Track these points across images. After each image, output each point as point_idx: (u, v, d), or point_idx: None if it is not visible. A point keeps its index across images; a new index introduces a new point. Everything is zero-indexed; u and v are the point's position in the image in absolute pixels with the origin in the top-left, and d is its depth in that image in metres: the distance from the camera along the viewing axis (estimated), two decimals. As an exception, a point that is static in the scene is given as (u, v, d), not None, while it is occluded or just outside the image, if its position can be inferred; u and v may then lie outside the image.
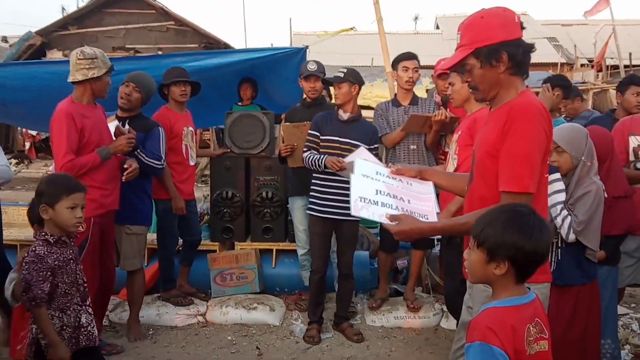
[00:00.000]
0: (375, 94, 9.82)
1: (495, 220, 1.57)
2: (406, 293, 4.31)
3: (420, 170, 2.28)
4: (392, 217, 1.97)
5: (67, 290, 2.42)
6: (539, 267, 1.60)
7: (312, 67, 4.20)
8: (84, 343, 2.46)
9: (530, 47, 1.93)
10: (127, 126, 3.68)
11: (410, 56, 4.15)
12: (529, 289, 1.63)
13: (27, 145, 14.49)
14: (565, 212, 2.65)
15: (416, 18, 25.78)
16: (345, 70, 3.82)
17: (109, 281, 3.61)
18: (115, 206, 3.54)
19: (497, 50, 1.87)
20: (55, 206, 2.39)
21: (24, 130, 14.09)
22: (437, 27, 20.69)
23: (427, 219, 2.07)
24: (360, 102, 4.16)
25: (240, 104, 5.47)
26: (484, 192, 1.93)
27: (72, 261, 2.46)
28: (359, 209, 2.03)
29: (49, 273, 2.33)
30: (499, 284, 1.60)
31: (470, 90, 2.04)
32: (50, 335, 2.32)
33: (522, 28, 1.93)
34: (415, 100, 4.16)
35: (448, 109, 3.98)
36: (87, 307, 2.50)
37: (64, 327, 2.40)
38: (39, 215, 2.42)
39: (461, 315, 2.16)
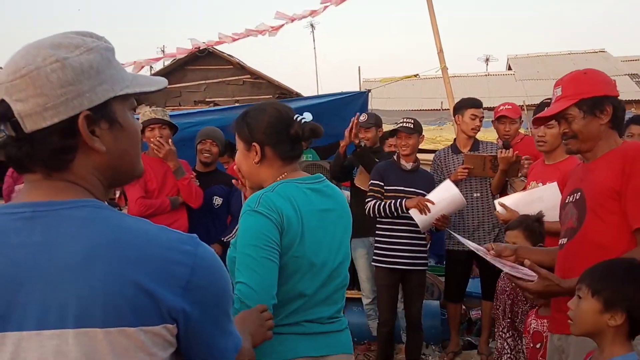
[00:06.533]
0: (444, 137, 9.67)
1: (615, 268, 1.58)
2: (480, 346, 4.14)
3: (517, 250, 2.20)
4: (532, 267, 1.90)
5: None
6: None
7: (361, 118, 4.14)
8: None
9: (624, 108, 2.07)
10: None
11: (478, 104, 4.09)
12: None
13: (117, 193, 15.41)
14: None
15: (487, 59, 25.40)
16: (412, 121, 3.83)
17: None
18: None
19: (602, 102, 1.97)
20: None
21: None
22: (509, 68, 20.32)
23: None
24: (429, 145, 4.14)
25: None
26: (600, 236, 1.92)
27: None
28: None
29: None
30: (609, 337, 1.55)
31: (565, 140, 2.07)
32: None
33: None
34: (476, 145, 4.06)
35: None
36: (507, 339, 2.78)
37: None
38: None
39: None
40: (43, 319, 0.80)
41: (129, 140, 0.96)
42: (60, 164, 0.88)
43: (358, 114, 4.07)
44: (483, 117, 4.08)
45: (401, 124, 3.82)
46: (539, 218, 2.71)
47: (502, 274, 2.90)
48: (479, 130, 4.06)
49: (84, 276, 0.81)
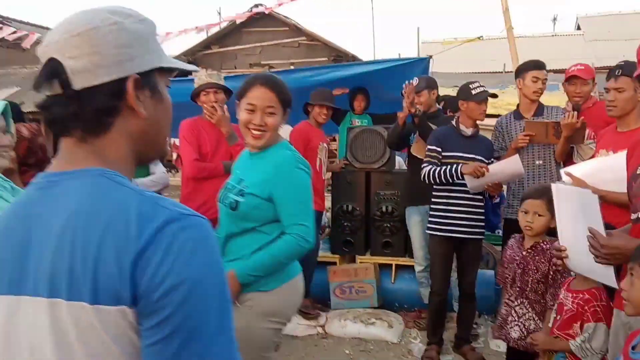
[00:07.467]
0: (506, 101, 9.28)
1: None
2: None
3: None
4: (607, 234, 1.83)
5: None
6: None
7: (414, 82, 4.05)
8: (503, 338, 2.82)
9: None
10: None
11: (541, 65, 3.84)
12: None
13: (175, 155, 15.83)
14: None
15: (555, 19, 24.15)
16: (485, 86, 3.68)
17: None
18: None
19: None
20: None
21: (172, 142, 15.46)
22: (578, 28, 19.17)
23: None
24: (490, 110, 3.96)
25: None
26: None
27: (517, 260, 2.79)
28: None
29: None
30: None
31: None
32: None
33: None
34: (540, 110, 3.82)
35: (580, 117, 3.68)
36: (515, 307, 2.78)
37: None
38: None
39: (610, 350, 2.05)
40: (36, 286, 0.83)
41: (165, 113, 0.98)
42: (100, 126, 0.89)
43: (410, 81, 3.93)
44: (546, 79, 3.83)
45: (484, 90, 3.64)
46: None
47: (509, 243, 2.89)
48: (541, 94, 3.83)
49: (58, 247, 0.82)
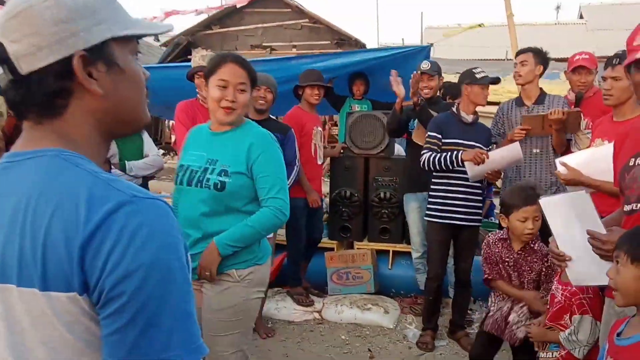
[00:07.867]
0: (507, 89, 9.21)
1: None
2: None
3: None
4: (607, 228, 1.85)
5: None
6: None
7: (424, 66, 4.08)
8: (506, 337, 2.76)
9: None
10: None
11: (520, 51, 3.86)
12: None
13: (173, 138, 15.80)
14: None
15: (558, 7, 24.04)
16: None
17: None
18: None
19: None
20: (509, 217, 2.70)
21: (170, 124, 15.41)
22: (581, 17, 19.02)
23: None
24: (491, 97, 3.96)
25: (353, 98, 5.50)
26: None
27: (508, 262, 2.76)
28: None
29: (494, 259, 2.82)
30: None
31: None
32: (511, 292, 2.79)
33: None
34: (541, 98, 3.80)
35: (581, 107, 3.66)
36: (518, 308, 2.74)
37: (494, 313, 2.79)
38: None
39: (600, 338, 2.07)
40: None
41: (129, 85, 0.90)
42: (54, 109, 0.85)
43: (417, 72, 3.93)
44: (526, 62, 3.76)
45: (486, 75, 3.63)
46: (535, 186, 2.82)
47: (489, 240, 2.88)
48: (521, 76, 3.78)
49: (9, 230, 0.79)
